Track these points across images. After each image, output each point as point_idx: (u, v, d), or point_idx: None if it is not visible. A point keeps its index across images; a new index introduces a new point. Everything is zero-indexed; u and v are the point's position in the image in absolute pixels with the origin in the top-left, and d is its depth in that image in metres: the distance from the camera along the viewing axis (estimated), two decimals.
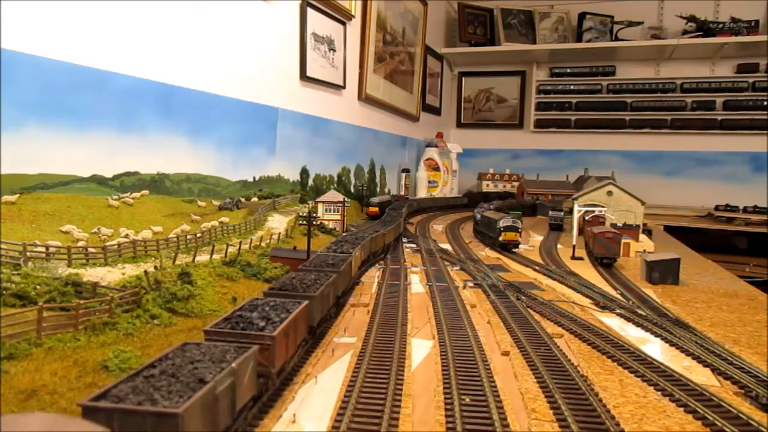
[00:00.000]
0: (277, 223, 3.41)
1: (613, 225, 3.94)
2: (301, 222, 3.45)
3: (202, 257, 2.52)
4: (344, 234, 3.37)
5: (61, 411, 1.21)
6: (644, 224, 4.48)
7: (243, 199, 3.14)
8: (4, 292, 1.61)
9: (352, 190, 4.90)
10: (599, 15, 7.70)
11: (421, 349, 1.77)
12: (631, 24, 7.52)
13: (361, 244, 2.72)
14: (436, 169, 6.77)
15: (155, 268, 2.20)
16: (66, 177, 2.06)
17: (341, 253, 2.44)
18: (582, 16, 7.72)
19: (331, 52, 4.32)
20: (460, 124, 8.72)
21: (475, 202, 6.27)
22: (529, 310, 2.25)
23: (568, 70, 7.90)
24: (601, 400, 1.39)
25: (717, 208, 6.89)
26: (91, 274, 1.96)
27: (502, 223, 3.73)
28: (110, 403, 0.91)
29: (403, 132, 6.49)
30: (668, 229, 5.78)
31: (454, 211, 6.45)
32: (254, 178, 3.32)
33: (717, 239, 6.24)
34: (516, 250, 3.77)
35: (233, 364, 1.10)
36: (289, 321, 1.43)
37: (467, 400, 1.35)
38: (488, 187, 7.83)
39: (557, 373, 1.55)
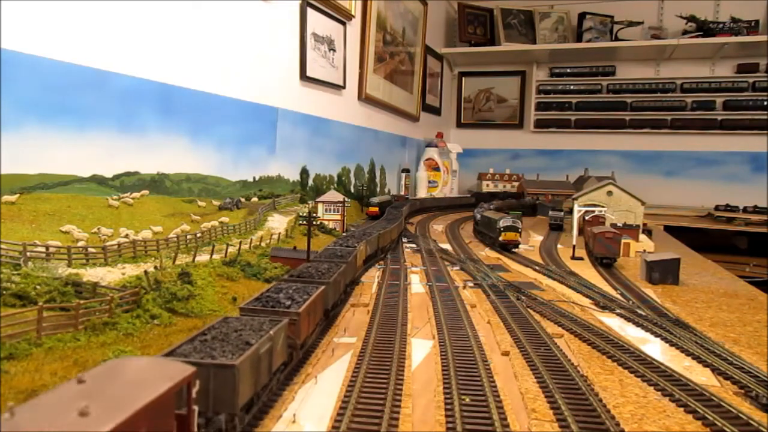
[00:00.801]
0: (277, 223, 3.41)
1: (613, 225, 3.94)
2: (301, 222, 3.45)
3: (202, 257, 2.52)
4: (345, 233, 3.38)
5: None
6: (644, 224, 4.48)
7: (243, 199, 3.14)
8: (4, 292, 1.61)
9: (352, 190, 4.90)
10: (599, 15, 7.70)
11: (421, 349, 1.77)
12: (631, 24, 7.52)
13: (366, 240, 2.90)
14: (436, 169, 6.77)
15: (155, 268, 2.20)
16: (66, 177, 2.06)
17: (348, 247, 2.64)
18: (582, 16, 7.72)
19: (331, 52, 4.32)
20: (460, 124, 8.72)
21: (482, 201, 6.25)
22: (529, 310, 2.25)
23: (568, 70, 7.91)
24: (601, 400, 1.39)
25: (717, 208, 6.89)
26: (91, 274, 1.95)
27: (502, 223, 3.73)
28: (180, 358, 1.11)
29: (403, 132, 6.49)
30: (668, 229, 5.78)
31: (455, 211, 6.45)
32: (254, 178, 3.32)
33: (717, 239, 6.24)
34: (516, 250, 3.77)
35: (271, 332, 1.32)
36: (311, 301, 1.65)
37: (467, 400, 1.35)
38: (488, 187, 7.82)
39: (557, 373, 1.55)
